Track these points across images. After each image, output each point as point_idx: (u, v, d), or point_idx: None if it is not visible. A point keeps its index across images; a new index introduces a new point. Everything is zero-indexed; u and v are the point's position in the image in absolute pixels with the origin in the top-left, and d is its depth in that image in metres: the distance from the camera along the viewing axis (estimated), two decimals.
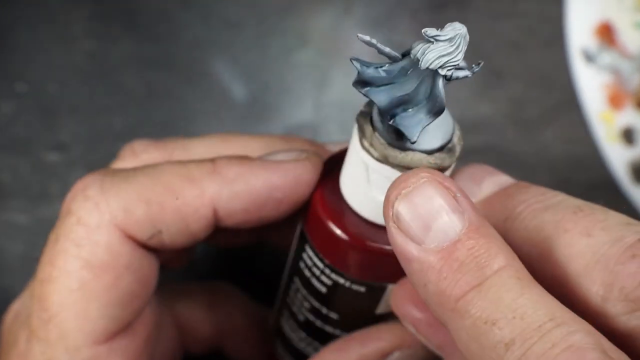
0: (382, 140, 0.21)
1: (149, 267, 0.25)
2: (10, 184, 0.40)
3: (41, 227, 0.39)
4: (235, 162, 0.25)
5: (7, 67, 0.40)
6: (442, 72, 0.19)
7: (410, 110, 0.20)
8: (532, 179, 0.43)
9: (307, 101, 0.41)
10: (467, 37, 0.19)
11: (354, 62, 0.20)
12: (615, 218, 0.20)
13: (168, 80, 0.41)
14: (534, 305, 0.17)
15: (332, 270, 0.24)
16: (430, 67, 0.19)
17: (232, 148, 0.27)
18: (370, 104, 0.22)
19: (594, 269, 0.19)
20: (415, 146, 0.21)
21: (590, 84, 0.42)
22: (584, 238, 0.19)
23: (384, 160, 0.21)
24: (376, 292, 0.25)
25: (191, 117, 0.41)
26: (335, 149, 0.27)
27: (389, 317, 0.26)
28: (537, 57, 0.42)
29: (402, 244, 0.19)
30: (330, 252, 0.24)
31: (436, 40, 0.19)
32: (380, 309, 0.26)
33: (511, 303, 0.17)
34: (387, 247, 0.22)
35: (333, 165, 0.25)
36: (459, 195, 0.19)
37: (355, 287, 0.24)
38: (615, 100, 0.42)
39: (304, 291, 0.26)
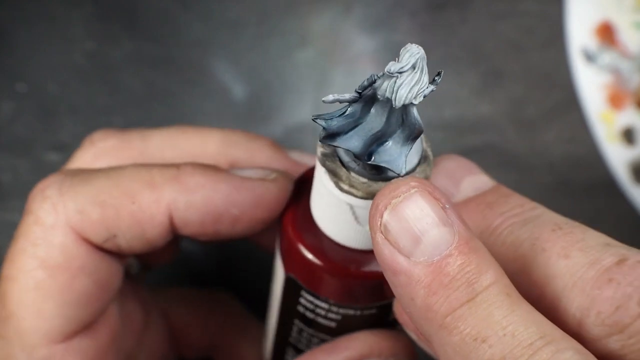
0: (362, 179, 0.20)
1: (108, 270, 0.25)
2: (10, 184, 0.40)
3: None
4: (199, 171, 0.24)
5: (7, 67, 0.40)
6: (416, 102, 0.19)
7: (387, 142, 0.20)
8: (532, 178, 0.43)
9: (307, 101, 0.41)
10: (425, 56, 0.19)
11: (318, 121, 0.19)
12: (594, 238, 0.19)
13: (168, 80, 0.41)
14: (524, 322, 0.17)
15: (340, 307, 0.24)
16: (406, 102, 0.18)
17: (190, 140, 0.26)
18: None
19: (571, 291, 0.19)
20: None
21: (591, 84, 0.42)
22: (561, 259, 0.19)
23: (371, 196, 0.20)
24: (388, 307, 0.25)
25: (191, 117, 0.41)
26: (299, 158, 0.27)
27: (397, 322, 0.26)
28: (537, 57, 0.42)
29: (389, 256, 0.18)
30: (336, 293, 0.23)
31: (400, 73, 0.18)
32: (393, 316, 0.26)
33: (501, 320, 0.17)
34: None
35: (301, 195, 0.24)
36: (447, 207, 0.18)
37: (366, 312, 0.24)
38: (616, 100, 0.42)
39: (309, 330, 0.26)
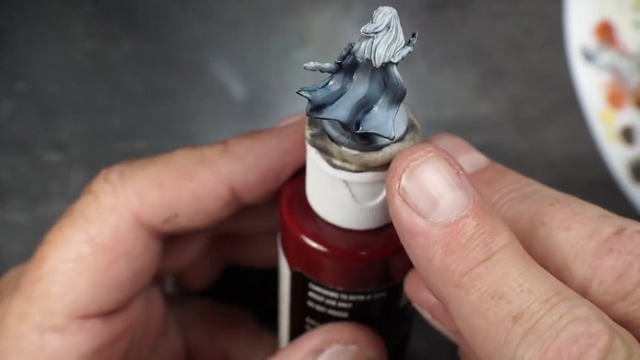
0: (353, 152, 0.20)
1: (147, 260, 0.25)
2: (10, 183, 0.40)
3: (41, 227, 0.39)
4: (245, 138, 0.25)
5: (6, 67, 0.40)
6: (395, 60, 0.19)
7: (372, 109, 0.20)
8: (532, 178, 0.43)
9: (307, 100, 0.41)
10: (397, 15, 0.19)
11: (302, 92, 0.20)
12: (592, 210, 0.20)
13: (167, 79, 0.41)
14: (540, 280, 0.17)
15: (350, 294, 0.24)
16: (385, 61, 0.19)
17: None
18: (315, 123, 0.21)
19: (573, 263, 0.19)
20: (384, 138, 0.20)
21: (590, 83, 0.42)
22: (562, 232, 0.19)
23: (365, 168, 0.20)
24: (397, 290, 0.25)
25: (191, 116, 0.41)
26: (283, 123, 0.27)
27: (409, 306, 0.26)
28: (536, 56, 0.43)
29: (407, 217, 0.19)
30: (344, 279, 0.23)
31: (376, 33, 0.19)
32: (402, 302, 0.25)
33: (518, 277, 0.17)
34: (396, 246, 0.22)
35: (296, 187, 0.24)
36: (461, 173, 0.19)
37: (377, 295, 0.24)
38: (615, 100, 0.42)
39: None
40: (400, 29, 0.19)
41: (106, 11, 0.41)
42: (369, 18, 0.19)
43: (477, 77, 0.42)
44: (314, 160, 0.21)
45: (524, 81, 0.42)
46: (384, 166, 0.20)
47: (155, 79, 0.41)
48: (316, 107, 0.20)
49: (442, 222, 0.18)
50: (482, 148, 0.24)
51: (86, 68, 0.41)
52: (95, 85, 0.41)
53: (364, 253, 0.23)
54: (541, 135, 0.42)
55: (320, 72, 0.20)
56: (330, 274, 0.23)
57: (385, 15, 0.19)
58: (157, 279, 0.30)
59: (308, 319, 0.26)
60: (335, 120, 0.20)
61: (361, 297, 0.24)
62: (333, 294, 0.24)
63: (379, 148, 0.20)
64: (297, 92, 0.20)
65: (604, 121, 0.42)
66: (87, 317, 0.24)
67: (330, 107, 0.20)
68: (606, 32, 0.43)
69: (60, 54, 0.41)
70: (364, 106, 0.20)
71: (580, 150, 0.42)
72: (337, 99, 0.20)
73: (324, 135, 0.21)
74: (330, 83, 0.20)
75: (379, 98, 0.20)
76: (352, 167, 0.20)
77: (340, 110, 0.20)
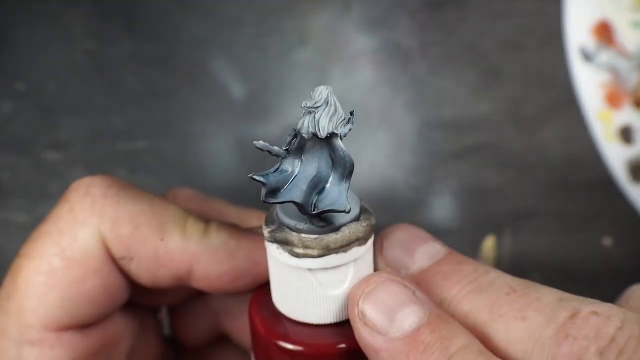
0: (314, 236, 0.21)
1: (119, 281, 0.25)
2: (10, 183, 0.40)
3: None
4: (227, 231, 0.25)
5: (7, 67, 0.40)
6: (338, 132, 0.20)
7: (326, 188, 0.21)
8: (531, 177, 0.43)
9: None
10: (333, 91, 0.20)
11: (256, 178, 0.20)
12: (548, 296, 0.20)
13: (167, 79, 0.41)
14: None
15: None
16: (329, 131, 0.20)
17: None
18: (272, 220, 0.22)
19: (532, 353, 0.19)
20: (345, 219, 0.21)
21: (589, 83, 0.42)
22: (519, 322, 0.20)
23: (327, 251, 0.21)
24: None
25: (190, 116, 0.41)
26: None
27: None
28: (535, 56, 0.43)
29: (369, 338, 0.20)
30: None
31: (316, 108, 0.20)
32: None
33: None
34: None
35: (265, 294, 0.24)
36: (417, 292, 0.20)
37: None
38: (614, 100, 0.42)
39: None
40: (338, 104, 0.20)
41: (106, 11, 0.41)
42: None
43: (476, 76, 0.42)
44: (276, 257, 0.22)
45: (523, 81, 0.42)
46: (345, 247, 0.21)
47: (155, 79, 0.41)
48: (271, 192, 0.20)
49: (400, 336, 0.20)
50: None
51: (86, 68, 0.41)
52: (95, 85, 0.41)
53: (332, 347, 0.22)
54: (540, 134, 0.42)
55: (269, 154, 0.21)
56: None
57: (322, 92, 0.20)
58: (149, 308, 0.30)
59: None
60: (291, 202, 0.20)
61: None
62: None
63: (338, 229, 0.21)
64: (250, 177, 0.20)
65: (602, 121, 0.42)
66: (62, 329, 0.24)
67: (284, 191, 0.21)
68: (605, 32, 0.43)
69: (60, 54, 0.41)
70: (317, 186, 0.21)
71: (579, 149, 0.42)
72: (290, 182, 0.21)
73: (282, 228, 0.21)
74: (281, 167, 0.21)
75: (329, 176, 0.21)
76: (315, 252, 0.21)
77: (295, 192, 0.20)
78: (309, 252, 0.21)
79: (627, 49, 0.43)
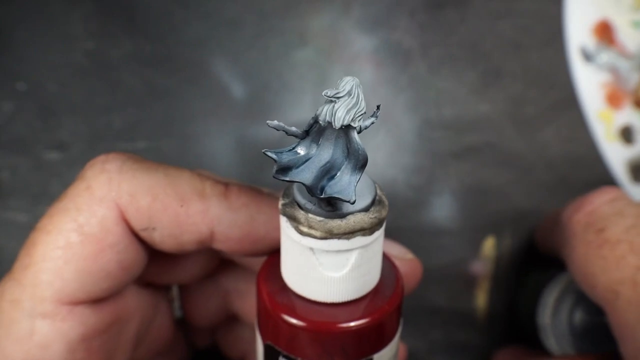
0: (319, 218, 0.21)
1: (135, 255, 0.26)
2: (10, 183, 0.40)
3: None
4: (247, 192, 0.25)
5: (7, 67, 0.40)
6: (355, 124, 0.20)
7: (336, 175, 0.21)
8: (531, 177, 0.43)
9: (306, 100, 0.41)
10: (360, 83, 0.20)
11: (269, 153, 0.21)
12: None
13: (167, 78, 0.41)
14: None
15: None
16: (344, 123, 0.20)
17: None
18: (288, 194, 0.22)
19: None
20: (353, 207, 0.21)
21: (589, 83, 0.42)
22: None
23: (329, 234, 0.21)
24: None
25: (190, 116, 0.41)
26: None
27: None
28: (535, 56, 0.43)
29: None
30: (311, 353, 0.23)
31: (337, 98, 0.20)
32: None
33: None
34: (352, 324, 0.22)
35: (273, 264, 0.25)
36: None
37: None
38: (614, 99, 0.42)
39: None
40: (362, 97, 0.20)
41: (106, 11, 0.41)
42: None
43: (477, 76, 0.42)
44: (285, 230, 0.22)
45: (523, 81, 0.42)
46: (347, 234, 0.21)
47: (155, 79, 0.41)
48: (282, 169, 0.21)
49: None
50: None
51: (86, 67, 0.41)
52: (95, 84, 0.41)
53: (328, 326, 0.23)
54: (540, 134, 0.42)
55: (285, 134, 0.21)
56: (297, 347, 0.23)
57: (348, 83, 0.20)
58: (162, 284, 0.30)
59: None
60: (300, 183, 0.21)
61: None
62: None
63: (344, 215, 0.21)
64: (263, 152, 0.20)
65: (603, 121, 0.42)
66: (75, 303, 0.25)
67: (295, 170, 0.21)
68: (605, 32, 0.43)
69: (60, 54, 0.41)
70: (329, 172, 0.21)
71: (579, 149, 0.42)
72: (303, 163, 0.21)
73: (293, 204, 0.22)
74: (296, 148, 0.21)
75: (342, 164, 0.21)
76: (318, 233, 0.21)
77: (305, 174, 0.21)
78: (313, 232, 0.21)
79: (627, 48, 0.43)
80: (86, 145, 0.40)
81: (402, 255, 0.28)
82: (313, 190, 0.21)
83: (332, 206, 0.21)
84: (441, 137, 0.42)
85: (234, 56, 0.41)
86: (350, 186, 0.20)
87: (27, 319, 0.24)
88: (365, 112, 0.20)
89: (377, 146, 0.42)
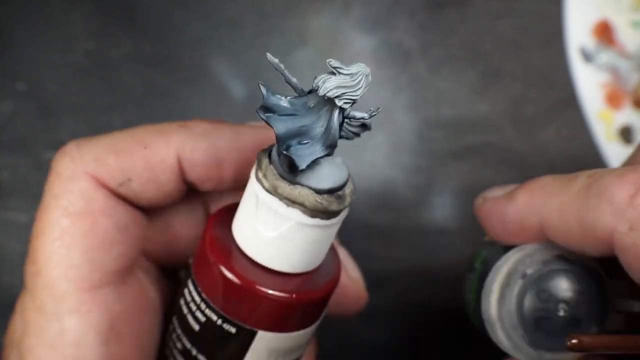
0: (275, 172, 0.21)
1: (127, 213, 0.26)
2: (10, 183, 0.40)
3: None
4: (206, 122, 0.26)
5: (6, 66, 0.40)
6: (339, 103, 0.20)
7: (306, 143, 0.21)
8: (531, 177, 0.43)
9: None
10: (370, 78, 0.20)
11: (261, 86, 0.21)
12: None
13: (167, 78, 0.41)
14: None
15: (207, 306, 0.24)
16: (328, 94, 0.20)
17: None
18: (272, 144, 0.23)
19: None
20: (304, 180, 0.21)
21: (589, 83, 0.42)
22: None
23: (273, 191, 0.21)
24: (246, 337, 0.24)
25: (190, 116, 0.41)
26: (253, 123, 0.28)
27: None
28: (535, 56, 0.43)
29: None
30: (207, 284, 0.24)
31: (338, 72, 0.20)
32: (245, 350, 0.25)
33: None
34: (263, 289, 0.23)
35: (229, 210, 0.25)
36: None
37: (226, 326, 0.24)
38: (614, 99, 0.42)
39: (178, 330, 0.26)
40: (362, 86, 0.20)
41: (106, 11, 0.41)
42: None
43: (477, 76, 0.42)
44: (251, 173, 0.23)
45: (523, 81, 0.42)
46: (289, 201, 0.21)
47: (155, 79, 0.41)
48: (265, 108, 0.21)
49: None
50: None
51: (86, 67, 0.41)
52: (95, 84, 0.41)
53: (225, 268, 0.23)
54: (540, 134, 0.42)
55: (284, 81, 0.21)
56: (201, 274, 0.24)
57: (357, 66, 0.20)
58: (170, 265, 0.30)
59: (173, 319, 0.26)
60: (271, 126, 0.21)
61: (214, 317, 0.24)
62: (197, 298, 0.24)
63: (294, 183, 0.21)
64: (259, 84, 0.21)
65: (602, 121, 0.42)
66: (95, 287, 0.25)
67: (276, 116, 0.21)
68: (605, 32, 0.43)
69: (60, 54, 0.41)
70: (301, 136, 0.21)
71: (579, 149, 0.42)
72: (286, 115, 0.21)
73: (267, 152, 0.22)
74: (290, 99, 0.21)
75: (316, 137, 0.21)
76: (266, 184, 0.21)
77: (281, 124, 0.21)
78: (263, 181, 0.22)
79: (627, 48, 0.43)
80: None
81: (351, 270, 0.29)
82: (279, 143, 0.21)
83: (291, 170, 0.21)
84: (441, 137, 0.42)
85: (234, 56, 0.41)
86: (309, 157, 0.21)
87: (53, 321, 0.24)
88: (356, 101, 0.20)
89: (376, 146, 0.42)
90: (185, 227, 0.29)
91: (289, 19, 0.42)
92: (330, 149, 0.21)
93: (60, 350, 0.24)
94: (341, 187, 0.22)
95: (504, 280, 0.27)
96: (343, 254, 0.30)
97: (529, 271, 0.26)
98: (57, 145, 0.32)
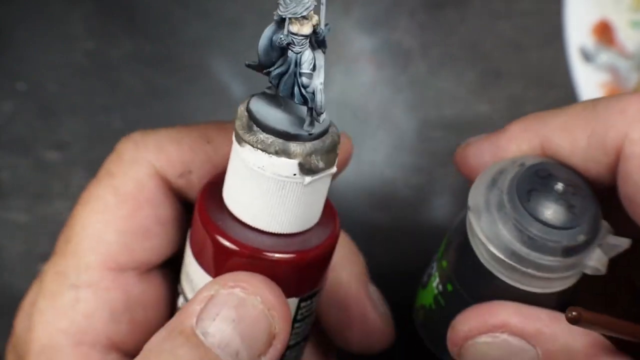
0: (246, 114, 0.22)
1: (171, 210, 0.26)
2: (10, 183, 0.40)
3: (41, 226, 0.39)
4: None
5: (7, 66, 0.40)
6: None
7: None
8: None
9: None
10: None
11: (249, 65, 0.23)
12: None
13: (167, 78, 0.41)
14: None
15: (194, 260, 0.24)
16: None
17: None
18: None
19: None
20: (289, 130, 0.22)
21: (589, 83, 0.42)
22: None
23: (252, 139, 0.21)
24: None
25: (190, 115, 0.41)
26: None
27: None
28: (535, 56, 0.43)
29: None
30: (205, 257, 0.23)
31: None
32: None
33: None
34: (258, 250, 0.22)
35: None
36: None
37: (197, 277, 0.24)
38: None
39: (183, 283, 0.25)
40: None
41: (106, 11, 0.41)
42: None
43: (476, 76, 0.42)
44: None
45: (523, 81, 0.42)
46: (261, 145, 0.21)
47: (155, 78, 0.41)
48: (261, 66, 0.23)
49: None
50: None
51: (86, 67, 0.41)
52: (95, 84, 0.41)
53: (213, 229, 0.22)
54: None
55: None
56: (195, 243, 0.24)
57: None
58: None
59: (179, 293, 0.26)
60: (257, 50, 0.23)
61: (200, 272, 0.24)
62: (189, 253, 0.24)
63: (277, 138, 0.21)
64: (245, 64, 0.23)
65: None
66: (120, 268, 0.25)
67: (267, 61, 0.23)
68: (605, 32, 0.43)
69: (60, 54, 0.41)
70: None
71: None
72: (279, 66, 0.23)
73: (244, 103, 0.23)
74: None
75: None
76: (238, 122, 0.22)
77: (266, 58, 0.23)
78: (237, 122, 0.22)
79: (626, 48, 0.43)
80: (86, 145, 0.40)
81: (380, 307, 0.30)
82: (262, 64, 0.23)
83: (276, 133, 0.22)
84: (441, 137, 0.42)
85: (233, 56, 0.41)
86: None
87: (71, 289, 0.25)
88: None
89: (376, 146, 0.42)
90: None
91: None
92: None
93: (70, 317, 0.24)
94: (318, 137, 0.22)
95: (496, 170, 0.24)
96: (372, 289, 0.30)
97: (528, 162, 0.24)
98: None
